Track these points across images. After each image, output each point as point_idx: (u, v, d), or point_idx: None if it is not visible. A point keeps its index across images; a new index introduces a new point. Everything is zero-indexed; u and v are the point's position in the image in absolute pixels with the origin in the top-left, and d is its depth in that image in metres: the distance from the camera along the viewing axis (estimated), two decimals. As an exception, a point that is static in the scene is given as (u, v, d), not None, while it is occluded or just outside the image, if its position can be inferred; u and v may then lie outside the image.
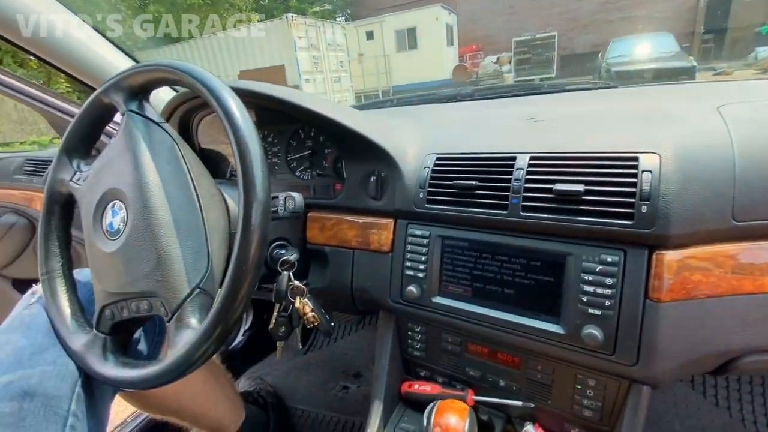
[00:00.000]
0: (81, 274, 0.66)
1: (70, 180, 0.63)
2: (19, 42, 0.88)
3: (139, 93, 0.58)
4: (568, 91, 1.09)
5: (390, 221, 0.76)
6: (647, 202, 0.53)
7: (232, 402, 1.08)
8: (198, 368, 0.49)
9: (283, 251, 0.74)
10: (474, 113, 0.96)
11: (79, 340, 0.57)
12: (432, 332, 0.76)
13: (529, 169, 0.62)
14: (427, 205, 0.70)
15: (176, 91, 1.04)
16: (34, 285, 0.66)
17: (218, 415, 1.02)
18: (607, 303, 0.55)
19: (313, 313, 0.70)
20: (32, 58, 0.94)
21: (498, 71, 13.29)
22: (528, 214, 0.61)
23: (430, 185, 0.70)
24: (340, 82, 12.20)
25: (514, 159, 0.64)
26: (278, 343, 0.77)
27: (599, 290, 0.56)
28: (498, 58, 13.78)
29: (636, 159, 0.56)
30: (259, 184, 0.48)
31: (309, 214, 0.86)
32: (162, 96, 1.05)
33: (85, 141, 0.66)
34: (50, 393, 0.54)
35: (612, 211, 0.55)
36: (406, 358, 0.82)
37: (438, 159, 0.72)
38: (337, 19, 18.64)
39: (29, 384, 0.53)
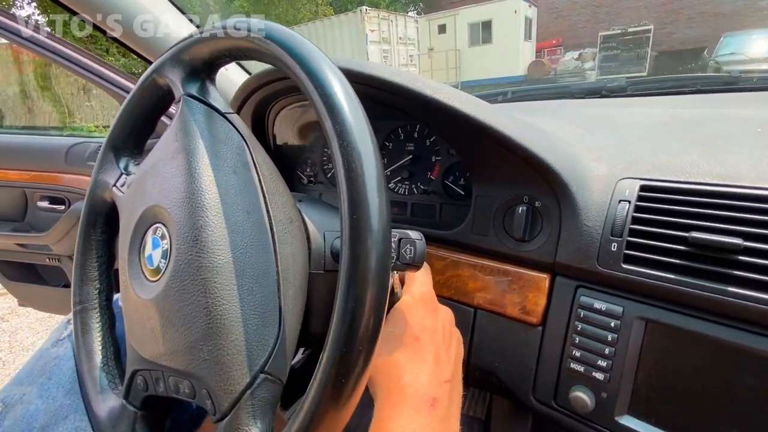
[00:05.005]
0: None
1: (114, 185, 0.48)
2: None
3: (202, 71, 0.42)
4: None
5: (544, 277, 0.49)
6: None
7: None
8: None
9: None
10: (663, 111, 0.65)
11: (107, 403, 0.43)
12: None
13: None
14: (624, 265, 0.42)
15: (249, 73, 0.84)
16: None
17: None
18: None
19: None
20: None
21: (579, 68, 12.24)
22: None
23: (632, 232, 0.42)
24: (408, 76, 11.96)
25: None
26: None
27: None
28: (580, 54, 12.65)
29: None
30: (376, 220, 0.28)
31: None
32: (234, 79, 0.87)
33: (135, 134, 0.50)
34: None
35: None
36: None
37: (644, 188, 0.44)
38: (410, 13, 18.35)
39: None
